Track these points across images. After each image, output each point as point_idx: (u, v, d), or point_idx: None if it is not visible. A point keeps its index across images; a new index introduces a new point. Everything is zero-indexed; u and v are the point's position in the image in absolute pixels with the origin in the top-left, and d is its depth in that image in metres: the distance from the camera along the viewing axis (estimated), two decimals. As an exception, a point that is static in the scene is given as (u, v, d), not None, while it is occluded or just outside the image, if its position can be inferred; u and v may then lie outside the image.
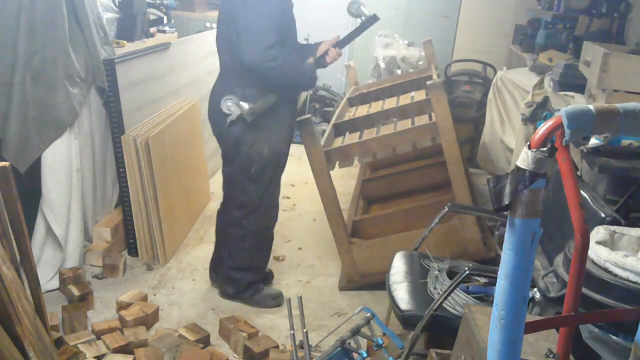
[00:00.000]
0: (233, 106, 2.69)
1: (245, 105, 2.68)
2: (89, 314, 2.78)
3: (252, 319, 2.85)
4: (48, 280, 2.95)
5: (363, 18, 2.91)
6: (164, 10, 4.63)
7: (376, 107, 3.61)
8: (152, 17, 4.36)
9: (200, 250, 3.53)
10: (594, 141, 2.36)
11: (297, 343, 2.13)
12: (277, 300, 3.03)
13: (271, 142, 2.79)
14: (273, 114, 2.77)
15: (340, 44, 2.90)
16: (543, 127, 1.10)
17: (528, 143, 1.10)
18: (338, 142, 3.27)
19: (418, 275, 2.43)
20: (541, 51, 4.37)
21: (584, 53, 3.12)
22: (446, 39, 5.94)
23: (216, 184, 4.48)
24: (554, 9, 4.56)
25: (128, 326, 2.65)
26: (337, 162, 3.13)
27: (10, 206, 2.00)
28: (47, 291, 2.90)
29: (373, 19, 2.92)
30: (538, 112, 3.45)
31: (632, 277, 1.56)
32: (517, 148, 3.76)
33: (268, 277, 3.21)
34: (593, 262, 1.66)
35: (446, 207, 2.62)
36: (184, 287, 3.13)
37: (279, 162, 2.88)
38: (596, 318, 1.52)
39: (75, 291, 2.84)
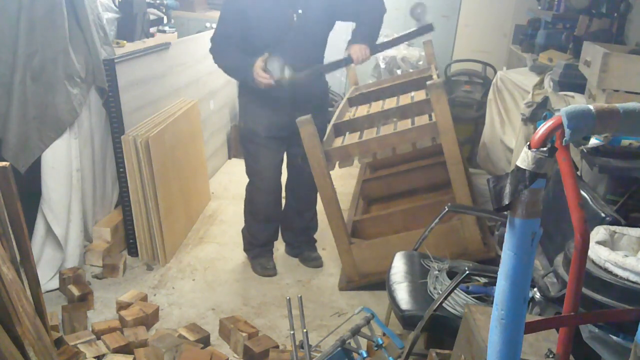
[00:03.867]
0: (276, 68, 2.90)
1: (276, 72, 2.88)
2: (89, 314, 2.78)
3: (252, 319, 2.85)
4: (48, 280, 2.95)
5: (418, 25, 3.02)
6: (164, 10, 4.62)
7: (376, 107, 3.60)
8: (152, 17, 4.36)
9: (200, 250, 3.53)
10: (594, 141, 2.37)
11: (297, 343, 2.14)
12: (264, 271, 3.29)
13: (247, 120, 3.15)
14: (255, 100, 3.06)
15: (376, 46, 3.05)
16: (543, 127, 1.10)
17: (528, 143, 1.10)
18: (338, 142, 3.27)
19: (418, 275, 2.43)
20: (541, 51, 4.37)
21: (584, 53, 3.12)
22: (446, 39, 5.94)
23: (216, 184, 4.49)
24: (554, 9, 4.56)
25: (128, 326, 2.65)
26: (337, 162, 3.13)
27: (10, 206, 2.00)
28: (47, 291, 2.90)
29: (428, 27, 3.07)
30: (538, 112, 3.45)
31: (632, 277, 1.56)
32: (517, 148, 3.76)
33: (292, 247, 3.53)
34: (593, 262, 1.66)
35: (446, 207, 2.62)
36: (184, 287, 3.13)
37: (254, 140, 3.13)
38: (596, 318, 1.52)
39: (75, 291, 2.84)
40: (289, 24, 2.89)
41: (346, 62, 3.00)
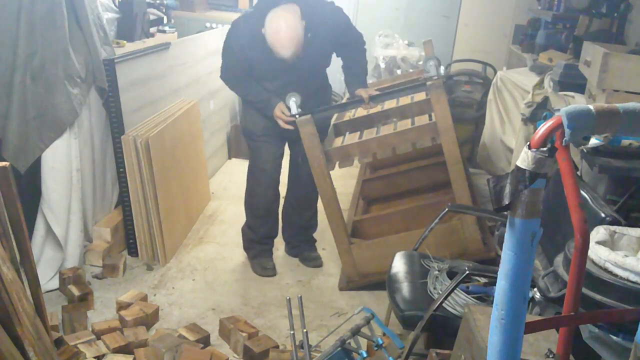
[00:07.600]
0: (292, 103, 3.08)
1: (294, 109, 3.05)
2: (89, 314, 2.78)
3: (252, 319, 2.85)
4: (48, 280, 2.95)
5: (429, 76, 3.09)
6: (164, 10, 4.62)
7: (376, 107, 3.60)
8: (152, 17, 4.36)
9: (200, 250, 3.53)
10: (594, 141, 2.36)
11: (297, 343, 2.13)
12: (264, 271, 3.31)
13: (245, 119, 3.34)
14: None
15: (376, 98, 3.24)
16: (543, 127, 1.10)
17: (528, 143, 1.10)
18: (338, 142, 3.27)
19: (418, 275, 2.43)
20: (541, 51, 4.37)
21: (584, 53, 3.12)
22: (446, 39, 5.93)
23: (216, 184, 4.49)
24: (554, 9, 4.55)
25: (128, 326, 2.64)
26: (337, 162, 3.13)
27: (10, 206, 2.00)
28: (47, 291, 2.90)
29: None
30: (538, 112, 3.45)
31: (632, 277, 1.56)
32: (517, 148, 3.76)
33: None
34: (593, 262, 1.66)
35: (446, 207, 2.62)
36: (184, 287, 3.13)
37: (253, 137, 3.26)
38: (596, 318, 1.52)
39: (75, 291, 2.84)
40: None
41: (360, 102, 3.22)
